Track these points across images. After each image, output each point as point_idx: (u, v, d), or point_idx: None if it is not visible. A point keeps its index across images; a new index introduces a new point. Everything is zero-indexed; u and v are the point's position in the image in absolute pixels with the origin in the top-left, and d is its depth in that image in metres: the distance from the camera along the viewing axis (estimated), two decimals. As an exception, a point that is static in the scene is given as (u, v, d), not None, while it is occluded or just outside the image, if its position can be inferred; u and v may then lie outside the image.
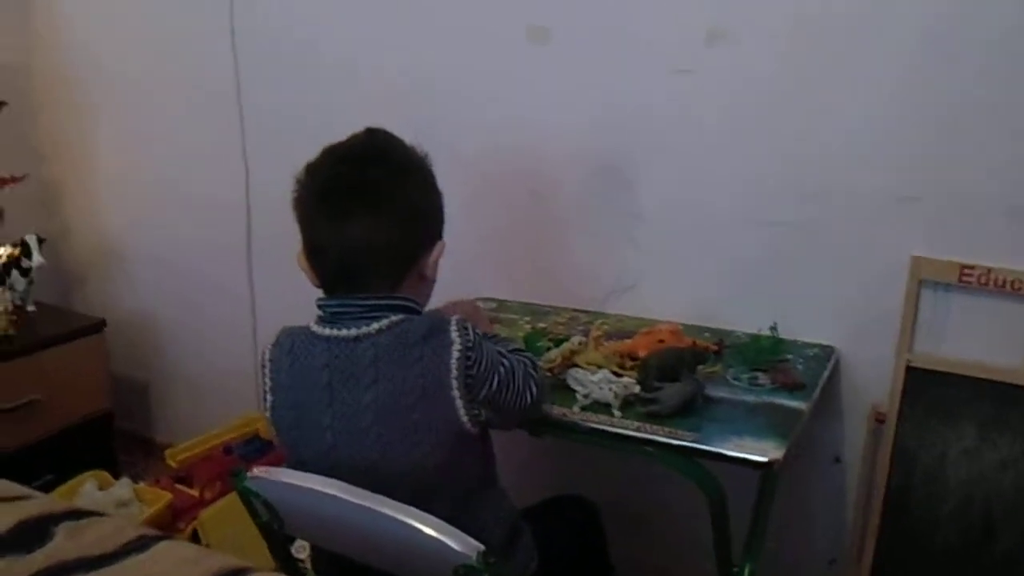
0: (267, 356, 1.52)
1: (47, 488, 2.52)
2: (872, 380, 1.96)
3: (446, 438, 1.40)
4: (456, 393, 1.37)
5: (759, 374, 1.81)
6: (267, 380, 1.51)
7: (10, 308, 2.67)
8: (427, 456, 1.39)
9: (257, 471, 1.42)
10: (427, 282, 1.53)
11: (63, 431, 2.77)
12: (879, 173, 1.87)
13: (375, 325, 1.41)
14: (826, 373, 1.86)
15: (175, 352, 3.07)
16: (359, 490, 1.30)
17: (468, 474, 1.49)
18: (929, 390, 1.90)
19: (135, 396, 3.18)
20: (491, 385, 1.42)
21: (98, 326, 2.84)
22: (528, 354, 1.60)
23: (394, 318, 1.42)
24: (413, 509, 1.26)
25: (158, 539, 1.24)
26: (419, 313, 1.47)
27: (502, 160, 2.24)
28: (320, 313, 1.47)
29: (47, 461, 2.67)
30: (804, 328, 1.98)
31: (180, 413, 3.12)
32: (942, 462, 1.90)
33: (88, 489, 2.50)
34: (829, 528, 2.10)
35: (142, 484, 2.64)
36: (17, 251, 2.71)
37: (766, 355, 1.86)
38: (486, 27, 2.20)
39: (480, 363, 1.40)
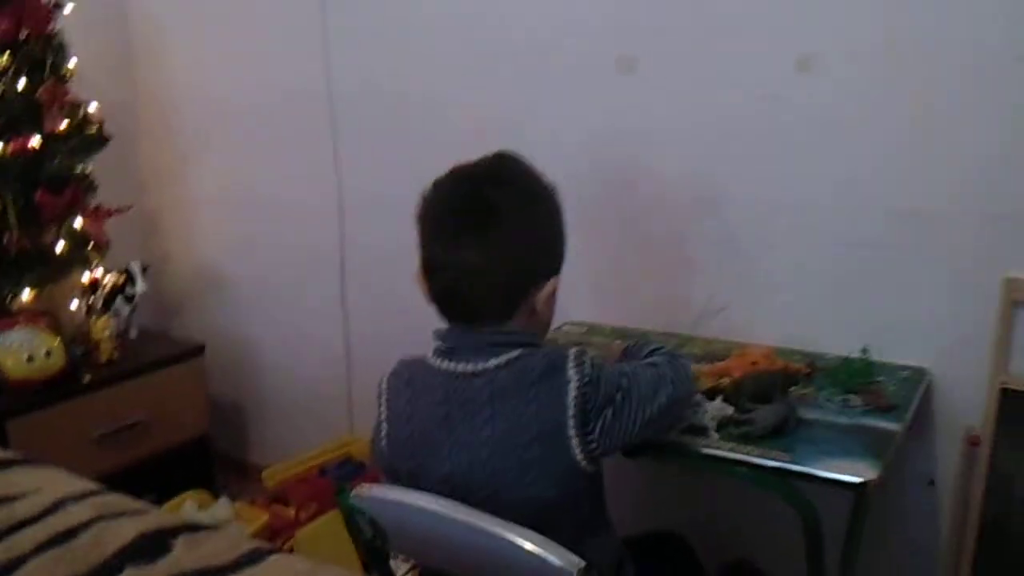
0: (384, 385, 1.54)
1: (150, 507, 2.62)
2: (966, 402, 1.94)
3: (561, 476, 1.40)
4: (572, 432, 1.37)
5: (851, 396, 1.81)
6: (383, 409, 1.53)
7: (115, 334, 2.78)
8: (541, 491, 1.39)
9: (362, 489, 1.47)
10: (539, 317, 1.51)
11: (164, 452, 2.86)
12: (971, 192, 1.86)
13: (493, 361, 1.42)
14: (918, 395, 1.86)
15: (270, 375, 3.16)
16: (461, 506, 1.34)
17: (582, 509, 1.48)
18: (1025, 413, 1.89)
19: (230, 418, 3.28)
20: (607, 415, 1.40)
21: (197, 350, 2.95)
22: (666, 355, 1.59)
23: (512, 354, 1.42)
24: (514, 525, 1.29)
25: (271, 552, 1.29)
26: (536, 347, 1.46)
27: (592, 187, 2.28)
28: (437, 344, 1.49)
29: (149, 481, 2.75)
30: (896, 350, 1.97)
31: (273, 435, 3.20)
32: (1040, 486, 1.88)
33: (188, 508, 2.60)
34: (924, 552, 2.07)
35: (239, 504, 2.73)
36: (122, 279, 2.82)
37: (857, 378, 1.86)
38: (574, 59, 2.26)
39: (597, 397, 1.39)
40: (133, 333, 2.92)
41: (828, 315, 2.05)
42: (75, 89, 2.71)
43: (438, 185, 1.49)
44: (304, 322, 2.97)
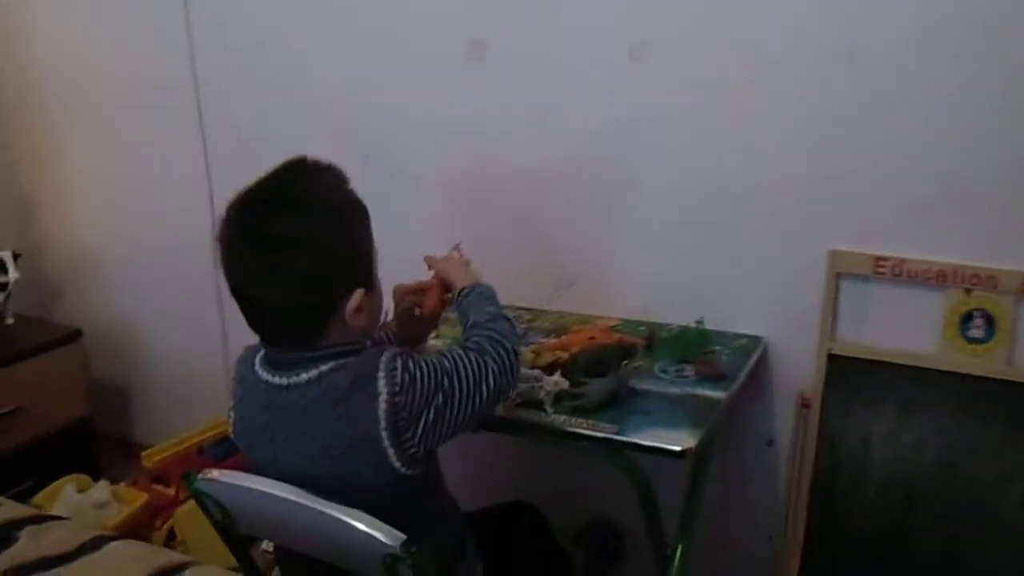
0: (233, 373, 1.57)
1: (29, 492, 2.64)
2: (798, 368, 2.08)
3: (381, 483, 1.42)
4: (387, 443, 1.38)
5: (686, 366, 1.93)
6: (232, 396, 1.56)
7: (-12, 322, 2.78)
8: (364, 496, 1.39)
9: (206, 474, 1.53)
10: (353, 328, 1.45)
11: (44, 437, 2.87)
12: (797, 172, 1.99)
13: (304, 375, 1.42)
14: (751, 363, 1.98)
15: (151, 356, 3.18)
16: (298, 490, 1.40)
17: (409, 503, 1.47)
18: (850, 376, 2.02)
19: (115, 400, 3.29)
20: (427, 418, 1.41)
21: (74, 335, 2.95)
22: (493, 336, 1.55)
23: (323, 368, 1.41)
24: (345, 508, 1.35)
25: (112, 539, 1.36)
26: (355, 353, 1.44)
27: (441, 165, 2.38)
28: (261, 352, 1.50)
29: (30, 466, 2.78)
30: (734, 320, 2.11)
31: (158, 416, 3.23)
32: (865, 444, 2.02)
33: (68, 492, 2.62)
34: (766, 506, 2.22)
35: (122, 485, 2.77)
36: (-8, 266, 2.82)
37: (693, 348, 1.98)
38: (424, 44, 2.33)
39: (412, 404, 1.39)
40: (9, 320, 2.92)
41: (669, 288, 2.17)
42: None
43: (228, 212, 1.43)
44: (181, 302, 2.99)
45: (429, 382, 1.42)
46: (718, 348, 2.02)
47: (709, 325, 2.06)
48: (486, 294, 1.68)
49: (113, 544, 1.35)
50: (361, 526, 1.35)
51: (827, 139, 1.94)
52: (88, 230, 3.17)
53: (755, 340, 2.08)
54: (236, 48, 2.65)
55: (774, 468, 2.19)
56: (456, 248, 1.83)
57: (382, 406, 1.38)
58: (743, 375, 1.93)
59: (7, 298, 2.89)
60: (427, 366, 1.44)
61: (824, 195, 1.98)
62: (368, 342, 1.51)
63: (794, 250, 2.03)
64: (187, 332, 3.03)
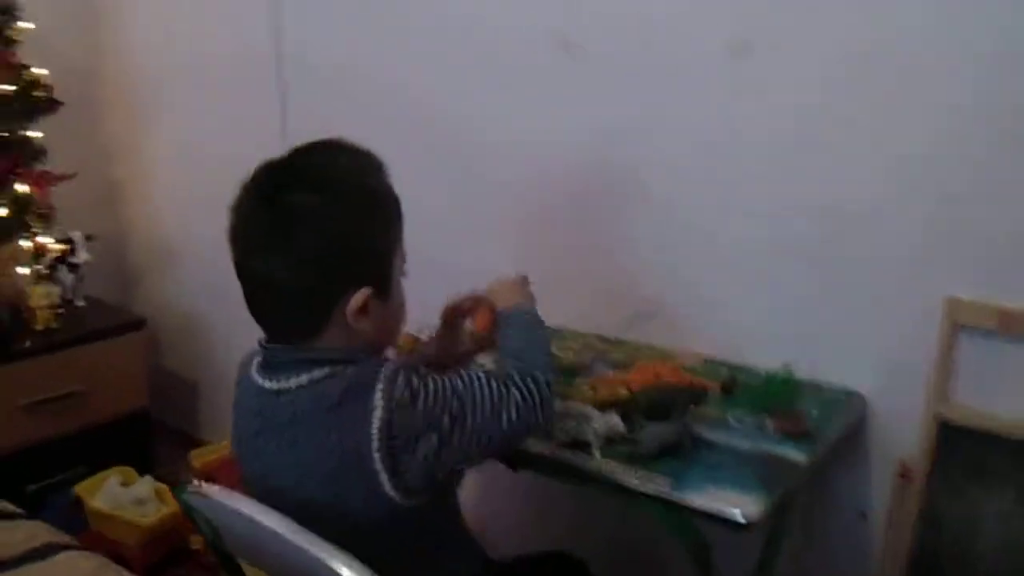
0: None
1: (75, 480, 2.57)
2: (901, 432, 1.79)
3: (375, 512, 1.26)
4: (379, 467, 1.23)
5: (766, 419, 1.67)
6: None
7: (56, 302, 2.71)
8: (355, 526, 1.25)
9: (195, 487, 1.37)
10: (359, 334, 1.32)
11: (101, 425, 2.80)
12: (917, 207, 1.71)
13: (295, 380, 1.29)
14: (844, 422, 1.72)
15: (222, 352, 3.09)
16: (281, 518, 1.22)
17: (413, 540, 1.33)
18: (962, 447, 1.73)
19: (184, 394, 3.22)
20: (429, 442, 1.25)
21: (138, 324, 2.89)
22: (521, 368, 1.38)
23: (316, 374, 1.28)
24: (327, 545, 1.17)
25: (64, 548, 1.21)
26: (352, 363, 1.29)
27: (525, 181, 2.18)
28: (258, 356, 1.39)
29: (82, 453, 2.72)
30: (829, 370, 1.82)
31: (222, 413, 3.12)
32: (974, 527, 1.72)
33: (111, 484, 2.54)
34: (854, 576, 1.93)
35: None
36: (66, 248, 2.75)
37: (777, 398, 1.72)
38: (517, 50, 2.15)
39: (411, 424, 1.23)
40: (79, 303, 2.86)
41: (758, 327, 1.91)
42: (28, 54, 2.65)
43: (247, 180, 1.33)
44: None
45: (435, 402, 1.26)
46: (807, 400, 1.75)
47: (800, 374, 1.78)
48: (522, 319, 1.51)
49: (65, 554, 1.22)
50: (343, 572, 1.15)
51: (952, 161, 1.65)
52: (170, 220, 3.14)
53: (851, 395, 1.80)
54: (322, 49, 2.55)
55: (866, 542, 1.89)
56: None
57: (376, 423, 1.22)
58: (833, 435, 1.66)
59: (79, 280, 2.83)
60: (435, 384, 1.27)
61: (947, 229, 1.68)
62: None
63: (905, 294, 1.74)
64: (256, 332, 2.91)
